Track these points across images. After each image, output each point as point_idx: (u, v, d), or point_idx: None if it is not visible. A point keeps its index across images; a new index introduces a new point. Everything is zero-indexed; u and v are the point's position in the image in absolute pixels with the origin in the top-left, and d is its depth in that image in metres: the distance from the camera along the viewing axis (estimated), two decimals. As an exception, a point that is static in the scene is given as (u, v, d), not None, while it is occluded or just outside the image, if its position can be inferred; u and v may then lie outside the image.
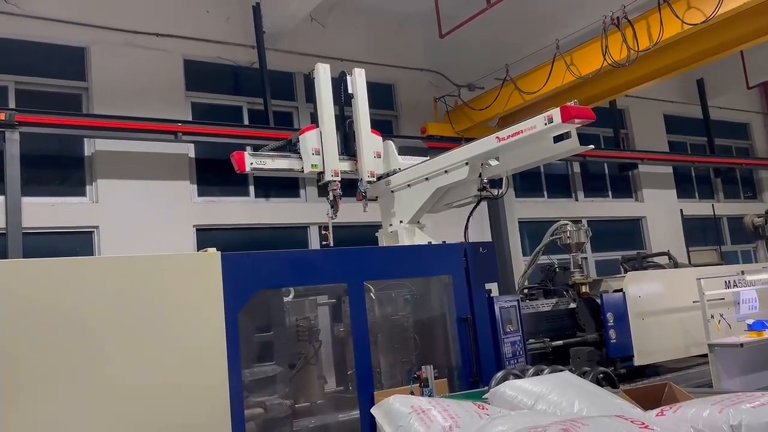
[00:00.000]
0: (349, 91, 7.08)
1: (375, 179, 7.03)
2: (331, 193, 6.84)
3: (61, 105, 9.49)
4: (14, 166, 8.30)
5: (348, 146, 7.20)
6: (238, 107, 11.38)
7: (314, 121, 7.08)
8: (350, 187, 7.17)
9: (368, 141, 7.05)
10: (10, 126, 8.32)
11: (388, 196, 7.02)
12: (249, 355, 5.12)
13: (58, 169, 9.70)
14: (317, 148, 6.82)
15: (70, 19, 9.66)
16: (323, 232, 6.76)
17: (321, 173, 6.86)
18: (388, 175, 7.03)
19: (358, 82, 7.10)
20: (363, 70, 7.21)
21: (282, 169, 6.88)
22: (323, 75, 7.00)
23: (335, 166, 6.84)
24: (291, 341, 5.46)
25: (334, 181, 6.81)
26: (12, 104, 9.22)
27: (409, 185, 6.77)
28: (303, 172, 6.89)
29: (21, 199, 8.46)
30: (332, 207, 6.87)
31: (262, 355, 5.40)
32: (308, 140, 6.83)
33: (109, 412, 3.99)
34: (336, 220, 6.90)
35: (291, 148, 7.00)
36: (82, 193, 9.68)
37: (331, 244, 6.63)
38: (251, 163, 6.62)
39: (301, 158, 6.86)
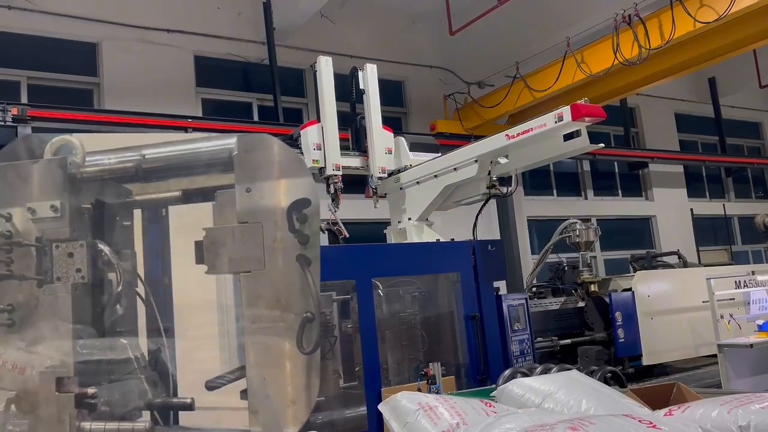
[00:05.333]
0: (361, 87, 7.08)
1: (386, 175, 7.02)
2: (332, 186, 6.81)
3: (72, 100, 9.53)
4: (26, 161, 8.33)
5: (359, 142, 7.20)
6: (248, 103, 11.40)
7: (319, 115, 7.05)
8: (359, 184, 7.16)
9: (379, 137, 7.04)
10: (23, 121, 8.36)
11: (398, 193, 7.02)
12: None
13: (70, 164, 9.73)
14: (318, 143, 6.80)
15: (81, 15, 9.71)
16: (335, 227, 6.74)
17: (322, 168, 6.85)
18: (398, 171, 7.03)
19: (369, 78, 7.10)
20: (375, 66, 7.20)
21: (284, 165, 6.86)
22: (325, 68, 6.94)
23: (337, 160, 6.82)
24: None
25: (336, 175, 6.80)
26: (24, 99, 9.27)
27: (418, 182, 6.77)
28: None
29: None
30: (333, 201, 6.85)
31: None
32: (309, 135, 6.81)
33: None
34: (345, 216, 6.89)
35: (293, 143, 6.99)
36: (93, 188, 9.71)
37: (347, 235, 6.64)
38: (258, 160, 6.59)
39: (302, 153, 6.86)
